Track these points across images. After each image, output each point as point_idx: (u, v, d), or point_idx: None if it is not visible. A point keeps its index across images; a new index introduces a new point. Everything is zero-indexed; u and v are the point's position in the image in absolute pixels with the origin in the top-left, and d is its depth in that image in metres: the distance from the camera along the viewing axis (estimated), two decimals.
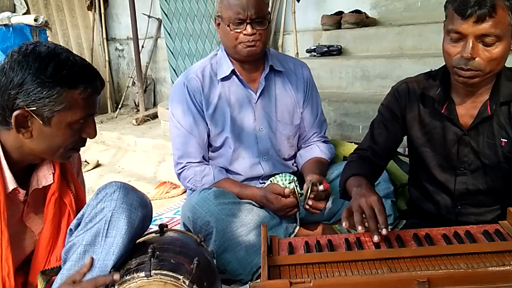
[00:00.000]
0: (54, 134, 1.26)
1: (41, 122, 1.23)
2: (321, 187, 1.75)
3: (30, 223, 1.40)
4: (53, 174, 1.40)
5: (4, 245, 1.26)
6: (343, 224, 1.32)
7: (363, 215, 1.31)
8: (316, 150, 2.09)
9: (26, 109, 1.21)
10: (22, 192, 1.34)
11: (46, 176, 1.39)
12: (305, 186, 1.79)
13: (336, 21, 3.57)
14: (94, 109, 1.32)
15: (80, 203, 1.49)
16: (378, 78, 3.09)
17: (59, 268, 1.35)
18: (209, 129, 2.00)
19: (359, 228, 1.27)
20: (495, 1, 1.29)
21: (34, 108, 1.21)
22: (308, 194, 1.74)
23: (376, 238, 1.25)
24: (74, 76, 1.23)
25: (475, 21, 1.30)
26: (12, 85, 1.20)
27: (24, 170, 1.35)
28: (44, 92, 1.20)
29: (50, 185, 1.40)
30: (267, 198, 1.85)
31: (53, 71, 1.20)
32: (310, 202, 1.74)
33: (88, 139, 1.35)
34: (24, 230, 1.39)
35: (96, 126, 1.35)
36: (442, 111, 1.51)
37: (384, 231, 1.26)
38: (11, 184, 1.29)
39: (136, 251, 1.34)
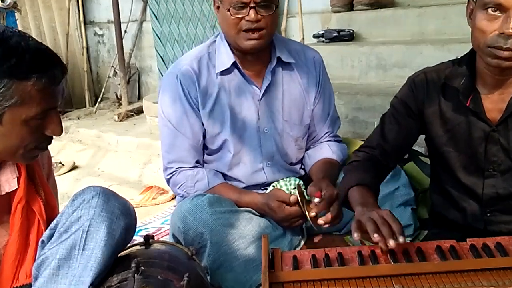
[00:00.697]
0: (8, 133, 1.24)
1: None
2: (316, 200, 1.72)
3: None
4: (18, 178, 1.39)
5: None
6: (354, 235, 1.32)
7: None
8: (327, 150, 2.09)
9: None
10: None
11: (9, 181, 1.37)
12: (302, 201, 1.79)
13: (348, 1, 3.57)
14: (54, 102, 1.28)
15: (51, 210, 1.48)
16: (396, 67, 3.10)
17: (29, 286, 1.35)
18: (205, 129, 1.99)
19: (375, 235, 1.27)
20: None
21: None
22: (308, 215, 1.73)
23: (391, 243, 1.24)
24: (25, 64, 1.19)
25: None
26: None
27: None
28: None
29: (15, 190, 1.38)
30: (270, 206, 1.85)
31: None
32: (321, 221, 1.71)
33: (58, 136, 1.34)
34: None
35: (62, 121, 1.32)
36: (467, 104, 1.51)
37: (401, 239, 1.26)
38: None
39: (118, 266, 1.33)
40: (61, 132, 1.32)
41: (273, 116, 2.02)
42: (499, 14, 1.34)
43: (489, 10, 1.35)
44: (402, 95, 1.65)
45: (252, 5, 1.78)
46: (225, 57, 1.95)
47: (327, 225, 1.73)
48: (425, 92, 1.60)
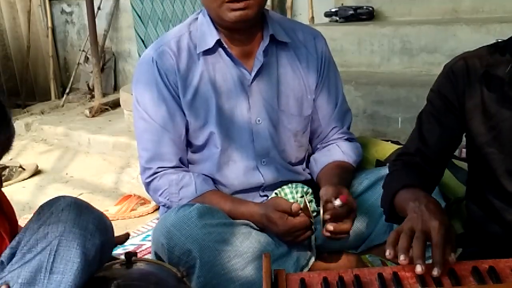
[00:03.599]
0: None
1: None
2: (337, 202, 1.73)
3: None
4: None
5: None
6: (387, 252, 1.32)
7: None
8: (337, 151, 2.10)
9: None
10: None
11: None
12: (321, 204, 1.79)
13: None
14: None
15: (14, 226, 1.50)
16: (424, 52, 3.11)
17: None
18: (187, 121, 2.00)
19: (402, 257, 1.27)
20: None
21: None
22: (322, 217, 1.74)
23: (419, 269, 1.25)
24: None
25: None
26: None
27: None
28: None
29: None
30: (269, 218, 1.85)
31: None
32: (331, 227, 1.73)
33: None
34: None
35: (14, 129, 1.30)
36: None
37: (435, 272, 1.26)
38: None
39: None
40: None
41: (266, 105, 2.03)
42: None
43: None
44: (439, 86, 1.66)
45: None
46: (208, 35, 1.97)
47: (337, 236, 1.75)
48: (466, 82, 1.60)
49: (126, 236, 1.65)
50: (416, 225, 1.34)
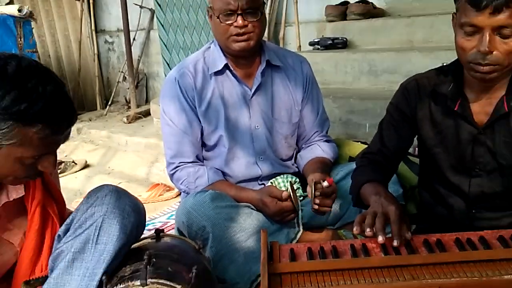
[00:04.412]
0: (1, 164, 1.20)
1: None
2: (325, 183, 1.74)
3: (8, 236, 1.39)
4: (25, 185, 1.37)
5: None
6: (354, 229, 1.32)
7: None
8: (318, 150, 2.10)
9: None
10: None
11: (16, 189, 1.36)
12: (308, 188, 1.79)
13: (342, 11, 3.57)
14: (53, 148, 1.24)
15: (62, 208, 1.49)
16: (386, 73, 3.10)
17: (45, 278, 1.35)
18: (202, 127, 2.00)
19: (368, 230, 1.27)
20: None
21: None
22: (313, 193, 1.74)
23: (380, 239, 1.26)
24: (34, 112, 1.14)
25: (491, 12, 1.29)
26: None
27: None
28: None
29: (25, 195, 1.38)
30: (263, 201, 1.86)
31: (10, 102, 1.12)
32: (317, 201, 1.73)
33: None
34: (1, 244, 1.38)
35: (56, 160, 1.27)
36: (455, 109, 1.51)
37: (395, 243, 1.26)
38: None
39: (131, 257, 1.34)
40: (53, 170, 1.28)
41: (263, 114, 2.03)
42: (476, 33, 1.34)
43: (466, 29, 1.35)
44: (396, 101, 1.65)
45: (239, 12, 1.82)
46: (218, 60, 1.97)
47: (324, 208, 1.76)
48: (417, 98, 1.60)
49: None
50: (377, 209, 1.34)
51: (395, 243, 1.26)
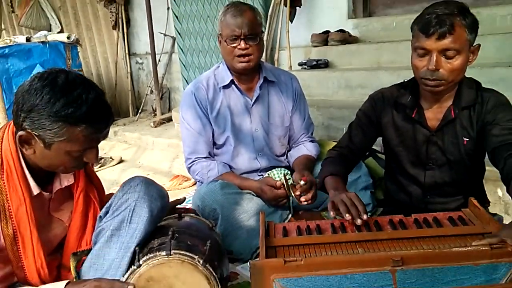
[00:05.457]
0: (54, 156, 1.20)
1: (42, 145, 1.18)
2: (302, 182, 1.73)
3: (58, 214, 1.39)
4: (74, 174, 1.38)
5: (35, 241, 1.25)
6: (331, 213, 1.32)
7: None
8: (304, 149, 2.10)
9: (30, 131, 1.16)
10: (46, 194, 1.33)
11: (67, 177, 1.37)
12: (286, 185, 1.79)
13: (324, 39, 3.57)
14: (95, 144, 1.24)
15: (101, 193, 1.49)
16: (359, 87, 3.09)
17: (89, 250, 1.36)
18: (213, 129, 2.00)
19: (347, 215, 1.27)
20: (453, 20, 1.31)
21: (37, 134, 1.16)
22: (293, 193, 1.73)
23: (359, 221, 1.25)
24: (79, 115, 1.14)
25: (437, 38, 1.31)
26: (23, 108, 1.15)
27: (47, 173, 1.32)
28: (47, 124, 1.14)
29: (74, 183, 1.38)
30: (262, 189, 1.86)
31: (60, 107, 1.13)
32: (303, 199, 1.72)
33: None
34: (53, 221, 1.38)
35: (98, 153, 1.27)
36: (413, 116, 1.52)
37: (364, 217, 1.26)
38: (35, 189, 1.27)
39: (158, 233, 1.34)
40: (96, 161, 1.28)
41: (261, 120, 2.03)
42: (426, 54, 1.35)
43: (418, 52, 1.37)
44: (365, 108, 1.65)
45: (242, 37, 1.83)
46: (225, 77, 1.98)
47: (306, 202, 1.73)
48: (382, 107, 1.60)
49: (182, 200, 1.65)
50: (343, 197, 1.32)
51: (365, 217, 1.26)
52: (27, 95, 1.15)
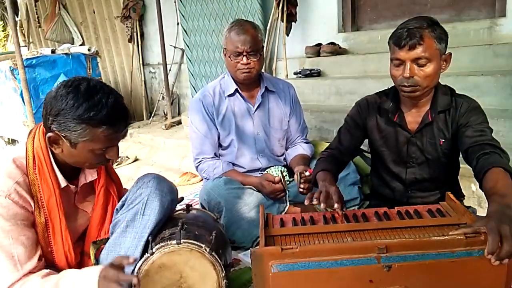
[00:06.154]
0: (79, 154, 1.22)
1: (69, 145, 1.20)
2: (307, 173, 1.74)
3: (83, 206, 1.40)
4: (97, 170, 1.39)
5: (63, 228, 1.26)
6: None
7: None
8: (300, 149, 2.10)
9: (58, 133, 1.18)
10: (73, 187, 1.34)
11: (91, 173, 1.38)
12: (295, 176, 1.79)
13: (316, 50, 3.57)
14: (115, 142, 1.25)
15: (119, 188, 1.50)
16: (348, 94, 3.09)
17: (107, 239, 1.36)
18: (219, 132, 2.00)
19: (315, 200, 1.27)
20: (422, 32, 1.32)
21: (64, 135, 1.18)
22: (299, 180, 1.73)
23: (336, 206, 1.25)
24: (100, 118, 1.15)
25: (408, 49, 1.33)
26: (51, 112, 1.17)
27: (74, 169, 1.33)
28: (72, 126, 1.15)
29: (96, 178, 1.39)
30: (262, 184, 1.86)
31: (83, 111, 1.14)
32: (302, 186, 1.72)
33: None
34: (78, 212, 1.39)
35: (119, 151, 1.28)
36: (395, 119, 1.52)
37: (335, 205, 1.26)
38: (63, 182, 1.28)
39: (168, 224, 1.34)
40: (117, 158, 1.29)
41: (262, 124, 2.03)
42: (401, 64, 1.36)
43: (394, 62, 1.38)
44: (352, 114, 1.65)
45: (244, 53, 1.83)
46: (230, 86, 1.98)
47: (305, 190, 1.72)
48: (367, 112, 1.60)
49: (180, 199, 1.55)
50: (322, 189, 1.31)
51: (335, 206, 1.25)
52: (54, 101, 1.17)
